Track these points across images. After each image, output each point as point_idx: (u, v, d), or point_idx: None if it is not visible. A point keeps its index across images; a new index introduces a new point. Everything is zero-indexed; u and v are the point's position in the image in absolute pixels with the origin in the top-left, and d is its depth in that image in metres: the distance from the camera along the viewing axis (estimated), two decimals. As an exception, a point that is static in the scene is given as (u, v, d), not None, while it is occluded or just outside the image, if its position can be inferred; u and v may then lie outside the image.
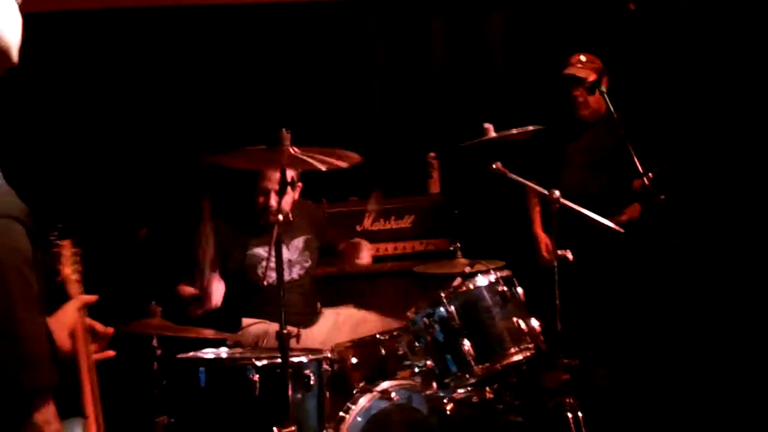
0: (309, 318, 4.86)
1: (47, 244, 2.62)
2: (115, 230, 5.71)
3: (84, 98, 5.88)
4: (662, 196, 4.42)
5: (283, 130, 3.65)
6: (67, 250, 2.68)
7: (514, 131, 4.39)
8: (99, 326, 2.56)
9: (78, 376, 2.47)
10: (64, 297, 2.56)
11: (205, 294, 4.46)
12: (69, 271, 2.61)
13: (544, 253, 5.61)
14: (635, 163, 4.52)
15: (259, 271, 4.71)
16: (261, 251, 4.78)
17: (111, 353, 2.73)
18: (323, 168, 3.87)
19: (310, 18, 6.43)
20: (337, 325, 4.89)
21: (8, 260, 1.58)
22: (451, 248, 4.85)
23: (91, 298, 2.54)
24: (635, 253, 5.19)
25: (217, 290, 4.47)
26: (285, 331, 3.57)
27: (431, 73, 6.60)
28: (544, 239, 5.67)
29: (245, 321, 4.75)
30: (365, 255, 4.96)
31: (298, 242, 4.98)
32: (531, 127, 4.39)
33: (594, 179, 5.44)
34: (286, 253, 4.81)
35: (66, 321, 2.39)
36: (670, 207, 4.46)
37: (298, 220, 4.65)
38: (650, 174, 4.50)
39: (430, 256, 5.77)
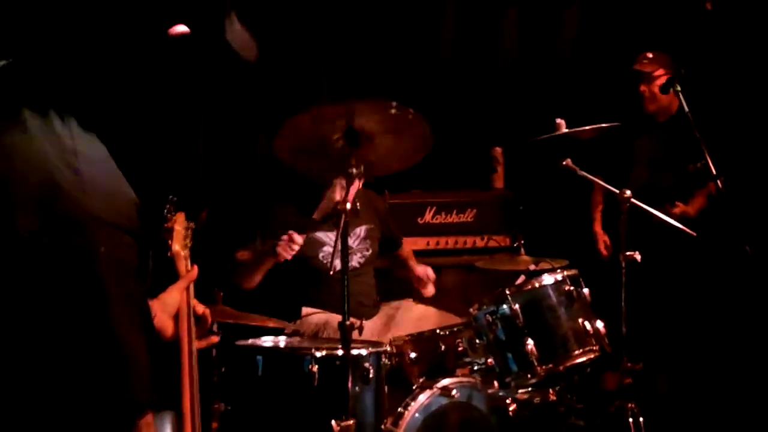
0: (368, 309, 4.81)
1: (160, 218, 2.56)
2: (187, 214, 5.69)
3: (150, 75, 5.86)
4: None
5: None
6: (179, 225, 2.61)
7: (587, 128, 4.31)
8: (200, 307, 2.51)
9: (178, 362, 2.42)
10: (174, 273, 2.51)
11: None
12: (179, 247, 2.55)
13: (603, 252, 5.61)
14: (709, 165, 4.41)
15: (321, 257, 4.67)
16: (323, 236, 4.74)
17: (215, 339, 2.68)
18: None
19: (382, 4, 6.37)
20: (396, 319, 4.83)
21: (112, 276, 1.51)
22: (515, 244, 4.78)
23: (193, 275, 2.48)
24: (706, 257, 5.09)
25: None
26: (348, 323, 3.52)
27: (501, 66, 6.51)
28: (603, 238, 5.66)
29: (305, 310, 4.71)
30: (430, 289, 4.91)
31: (361, 230, 4.92)
32: (604, 125, 4.31)
33: (661, 177, 5.42)
34: (348, 240, 4.76)
35: (170, 303, 2.33)
36: (743, 212, 4.35)
37: (361, 208, 4.61)
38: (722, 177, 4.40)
39: (491, 252, 5.72)
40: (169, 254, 2.55)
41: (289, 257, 4.41)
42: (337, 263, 3.82)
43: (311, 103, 6.09)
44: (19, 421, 1.48)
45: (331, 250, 4.27)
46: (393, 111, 3.73)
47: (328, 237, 4.72)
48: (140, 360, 1.57)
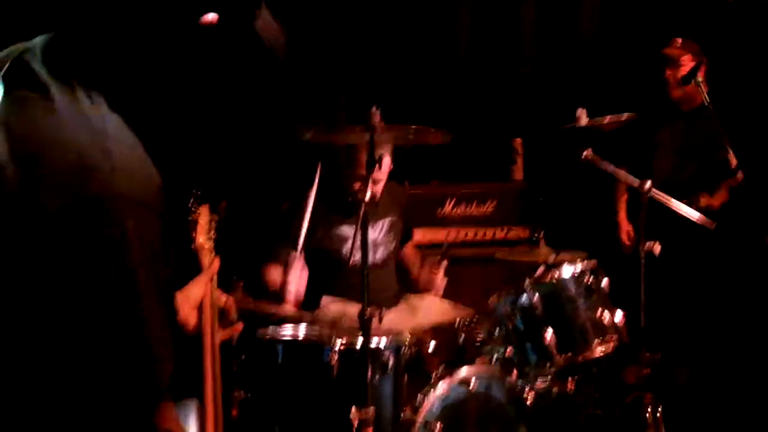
0: (389, 302, 4.81)
1: (184, 209, 2.57)
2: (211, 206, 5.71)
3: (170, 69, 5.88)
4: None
5: (374, 107, 3.61)
6: (203, 218, 2.62)
7: (607, 119, 4.31)
8: (223, 298, 2.52)
9: (200, 352, 2.44)
10: (197, 265, 2.52)
11: (286, 286, 4.42)
12: (203, 239, 2.56)
13: (626, 241, 5.60)
14: (730, 157, 4.41)
15: (344, 251, 4.67)
16: (347, 230, 4.73)
17: (239, 328, 2.69)
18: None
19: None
20: (415, 311, 4.83)
21: (138, 255, 1.50)
22: (535, 236, 4.77)
23: (215, 268, 2.50)
24: (726, 249, 5.08)
25: (300, 281, 4.44)
26: (368, 312, 3.53)
27: (520, 56, 6.50)
28: (626, 227, 5.65)
29: (325, 299, 4.72)
30: (439, 288, 4.88)
31: (384, 223, 4.91)
32: (625, 115, 4.30)
33: (684, 168, 5.40)
34: (371, 234, 4.75)
35: (194, 295, 2.35)
36: (763, 204, 4.35)
37: (384, 201, 4.62)
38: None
39: (511, 244, 5.72)
40: (192, 247, 2.56)
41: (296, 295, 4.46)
42: (358, 255, 3.83)
43: (330, 94, 6.15)
44: (39, 401, 1.49)
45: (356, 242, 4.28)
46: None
47: (352, 231, 4.70)
48: (164, 338, 1.58)
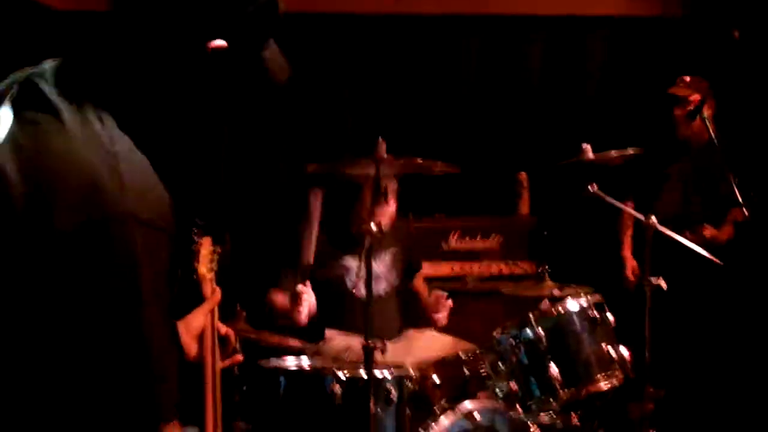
0: (391, 334, 4.79)
1: (187, 240, 2.58)
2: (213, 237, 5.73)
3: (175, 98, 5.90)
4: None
5: (380, 138, 3.62)
6: (205, 248, 2.63)
7: (613, 153, 4.31)
8: (223, 328, 2.52)
9: (201, 381, 2.44)
10: (199, 295, 2.53)
11: (295, 307, 4.40)
12: (205, 270, 2.58)
13: (630, 277, 5.58)
14: (735, 192, 4.40)
15: (349, 283, 4.67)
16: (352, 262, 4.73)
17: (239, 358, 2.69)
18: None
19: (408, 31, 6.42)
20: (418, 345, 4.81)
21: (148, 278, 1.50)
22: (539, 270, 4.75)
23: (217, 298, 2.50)
24: (732, 284, 5.06)
25: (309, 302, 4.42)
26: (371, 343, 3.52)
27: (526, 90, 6.52)
28: (631, 263, 5.63)
29: (329, 332, 4.70)
30: (443, 316, 4.86)
31: (387, 256, 4.91)
32: (630, 150, 4.31)
33: (691, 202, 5.40)
34: (375, 267, 4.76)
35: (195, 325, 2.35)
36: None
37: (387, 233, 4.61)
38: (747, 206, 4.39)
39: (516, 279, 5.71)
40: (194, 276, 2.57)
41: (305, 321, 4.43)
42: (362, 286, 3.83)
43: (336, 127, 6.19)
44: (41, 419, 1.48)
45: (361, 274, 4.28)
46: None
47: (356, 262, 4.70)
48: (170, 359, 1.57)
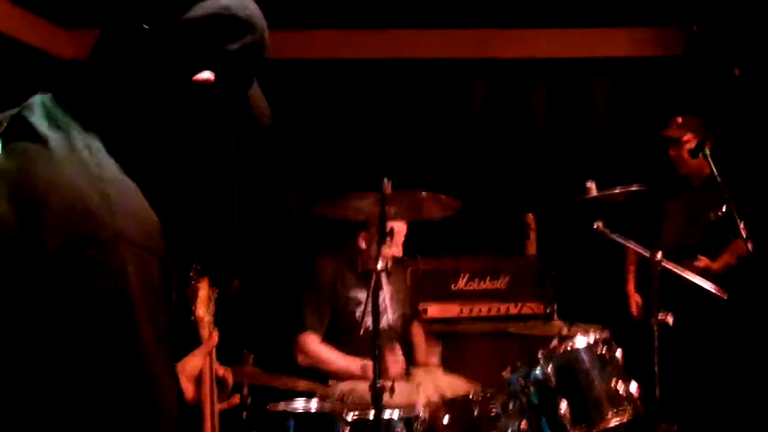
0: (395, 370, 4.81)
1: (184, 281, 2.59)
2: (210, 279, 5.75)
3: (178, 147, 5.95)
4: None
5: (385, 179, 3.64)
6: (203, 290, 2.63)
7: (617, 190, 4.34)
8: (221, 369, 2.52)
9: (200, 424, 2.43)
10: (195, 337, 2.53)
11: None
12: (203, 312, 2.57)
13: (634, 312, 5.64)
14: (739, 226, 4.41)
15: (357, 315, 4.69)
16: (361, 295, 4.75)
17: (236, 400, 2.69)
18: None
19: (415, 74, 6.48)
20: (426, 388, 4.81)
21: (141, 302, 1.50)
22: (548, 310, 4.75)
23: (215, 341, 2.50)
24: (739, 317, 5.06)
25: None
26: (379, 384, 3.51)
27: (530, 133, 6.56)
28: (634, 297, 5.69)
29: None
30: (435, 360, 4.89)
31: (393, 291, 4.96)
32: (634, 186, 4.34)
33: (690, 235, 5.42)
34: (385, 298, 4.83)
35: (193, 368, 2.35)
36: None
37: (398, 271, 4.68)
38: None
39: (525, 319, 5.70)
40: (192, 318, 2.58)
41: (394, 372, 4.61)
42: (369, 321, 3.84)
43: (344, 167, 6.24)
44: None
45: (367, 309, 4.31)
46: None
47: (364, 295, 4.74)
48: (164, 382, 1.56)
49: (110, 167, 1.58)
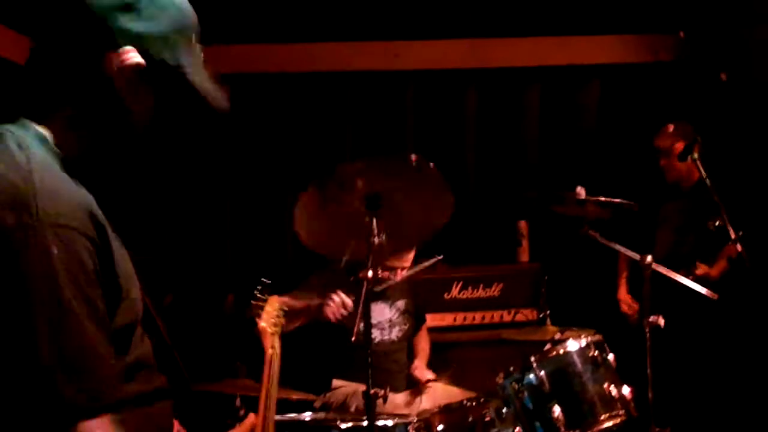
0: (399, 382, 4.83)
1: (249, 297, 2.66)
2: (204, 295, 5.80)
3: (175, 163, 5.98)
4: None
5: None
6: (270, 306, 2.71)
7: (602, 198, 4.39)
8: None
9: None
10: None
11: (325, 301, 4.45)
12: (265, 324, 2.65)
13: (627, 311, 5.69)
14: (729, 229, 4.44)
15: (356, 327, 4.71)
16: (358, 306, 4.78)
17: None
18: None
19: (407, 84, 6.55)
20: (422, 396, 4.83)
21: (66, 273, 1.58)
22: (541, 316, 4.77)
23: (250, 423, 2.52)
24: (730, 319, 5.08)
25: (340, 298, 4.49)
26: (372, 392, 3.52)
27: (523, 141, 6.59)
28: (625, 301, 5.73)
29: (335, 382, 4.73)
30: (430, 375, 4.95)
31: (401, 304, 4.99)
32: (617, 200, 4.41)
33: (684, 242, 5.45)
34: (388, 313, 4.88)
35: None
36: (765, 273, 4.36)
37: (401, 282, 4.71)
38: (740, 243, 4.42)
39: (518, 326, 5.72)
40: (255, 330, 2.66)
41: (334, 320, 4.43)
42: (372, 331, 3.85)
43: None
44: None
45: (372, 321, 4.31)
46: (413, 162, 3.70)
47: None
48: (94, 353, 1.61)
49: (38, 159, 1.69)
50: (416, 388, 4.87)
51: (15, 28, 5.32)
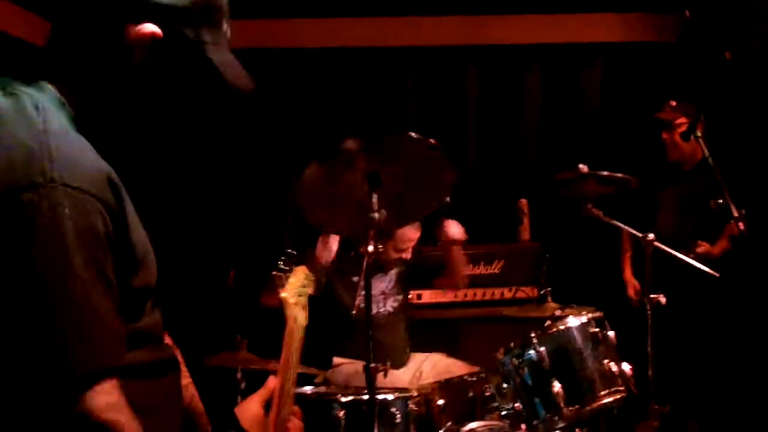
0: (399, 355, 4.83)
1: (273, 266, 2.66)
2: (207, 270, 5.81)
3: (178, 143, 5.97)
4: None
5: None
6: (295, 277, 2.70)
7: (605, 173, 4.38)
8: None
9: None
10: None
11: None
12: (287, 294, 2.64)
13: (633, 296, 5.64)
14: (731, 208, 4.43)
15: (355, 301, 4.72)
16: (354, 278, 4.78)
17: None
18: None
19: (408, 61, 6.53)
20: (423, 370, 4.84)
21: (77, 236, 1.56)
22: (542, 293, 4.78)
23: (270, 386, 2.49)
24: (731, 298, 5.08)
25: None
26: (373, 365, 3.53)
27: (524, 119, 6.58)
28: (632, 283, 5.70)
29: (336, 360, 4.74)
30: (455, 231, 4.87)
31: (392, 275, 4.99)
32: (619, 174, 4.39)
33: (686, 223, 5.44)
34: (380, 285, 4.87)
35: (248, 414, 2.37)
36: (766, 252, 4.36)
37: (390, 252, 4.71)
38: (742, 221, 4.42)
39: (519, 303, 5.73)
40: (276, 300, 2.66)
41: (324, 260, 4.46)
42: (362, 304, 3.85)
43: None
44: None
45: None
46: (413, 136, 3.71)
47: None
48: (100, 316, 1.60)
49: (55, 122, 1.67)
50: (417, 360, 4.89)
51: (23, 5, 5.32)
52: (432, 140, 3.65)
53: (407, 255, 5.01)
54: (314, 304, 4.36)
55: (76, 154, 1.65)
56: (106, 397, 1.59)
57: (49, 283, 1.54)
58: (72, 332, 1.55)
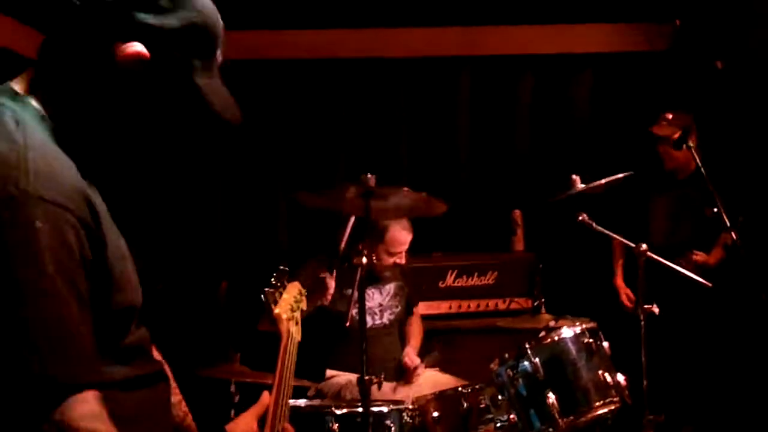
0: (393, 369, 4.82)
1: (266, 282, 2.65)
2: (198, 282, 5.79)
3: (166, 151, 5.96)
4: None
5: (368, 173, 3.63)
6: (288, 293, 2.69)
7: (602, 181, 4.37)
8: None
9: None
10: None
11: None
12: (280, 311, 2.62)
13: (627, 303, 5.62)
14: (724, 217, 4.43)
15: (350, 313, 4.71)
16: (348, 291, 4.77)
17: None
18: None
19: (401, 71, 6.53)
20: (418, 384, 4.82)
21: (50, 249, 1.56)
22: (536, 304, 4.77)
23: (264, 402, 2.49)
24: (724, 307, 5.09)
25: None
26: (367, 377, 3.52)
27: (517, 129, 6.58)
28: (624, 290, 5.69)
29: (329, 372, 4.73)
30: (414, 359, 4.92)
31: (391, 287, 4.99)
32: (619, 175, 4.37)
33: (679, 231, 5.45)
34: (378, 297, 4.87)
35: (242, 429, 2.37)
36: (759, 261, 4.36)
37: (395, 270, 4.70)
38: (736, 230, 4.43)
39: (513, 314, 5.72)
40: (270, 317, 2.64)
41: (328, 300, 4.47)
42: (355, 313, 3.85)
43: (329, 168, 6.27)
44: None
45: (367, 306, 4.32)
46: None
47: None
48: (67, 334, 1.59)
49: (35, 137, 1.67)
50: (406, 375, 4.87)
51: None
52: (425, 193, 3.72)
53: (401, 260, 5.00)
54: (308, 315, 4.38)
55: (54, 168, 1.65)
56: (84, 407, 1.58)
57: (21, 294, 1.54)
58: (43, 343, 1.55)
